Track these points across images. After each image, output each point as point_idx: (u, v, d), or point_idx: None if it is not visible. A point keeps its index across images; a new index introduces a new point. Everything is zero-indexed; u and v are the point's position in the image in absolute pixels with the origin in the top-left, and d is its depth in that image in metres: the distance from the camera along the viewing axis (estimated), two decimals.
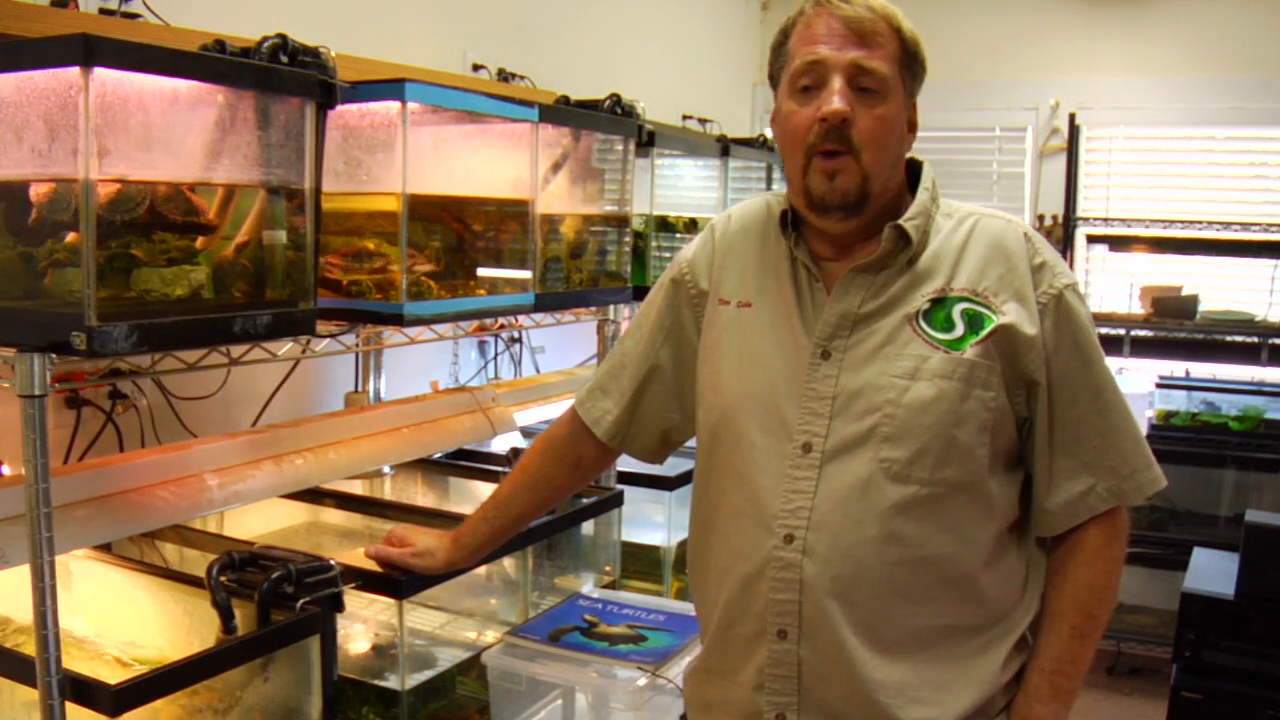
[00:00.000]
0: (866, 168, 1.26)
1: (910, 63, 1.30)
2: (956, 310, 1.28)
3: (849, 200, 1.27)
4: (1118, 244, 4.33)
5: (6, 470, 1.64)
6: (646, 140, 2.45)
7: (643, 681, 1.75)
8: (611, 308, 2.41)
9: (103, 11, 1.75)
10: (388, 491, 2.28)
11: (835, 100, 1.24)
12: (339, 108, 1.53)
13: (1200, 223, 4.20)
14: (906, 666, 1.28)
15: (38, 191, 1.27)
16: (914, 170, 1.38)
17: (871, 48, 1.25)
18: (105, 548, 1.61)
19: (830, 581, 1.26)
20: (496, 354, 2.94)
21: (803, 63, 1.27)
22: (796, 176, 1.30)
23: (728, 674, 1.36)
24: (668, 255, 2.70)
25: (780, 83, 1.33)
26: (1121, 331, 4.18)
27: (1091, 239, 4.41)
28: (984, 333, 1.27)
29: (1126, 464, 1.32)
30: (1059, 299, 1.30)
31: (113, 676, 1.25)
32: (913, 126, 1.34)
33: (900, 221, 1.29)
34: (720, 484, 1.38)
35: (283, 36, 1.46)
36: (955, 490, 1.26)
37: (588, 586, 2.16)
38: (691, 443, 1.50)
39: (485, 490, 2.16)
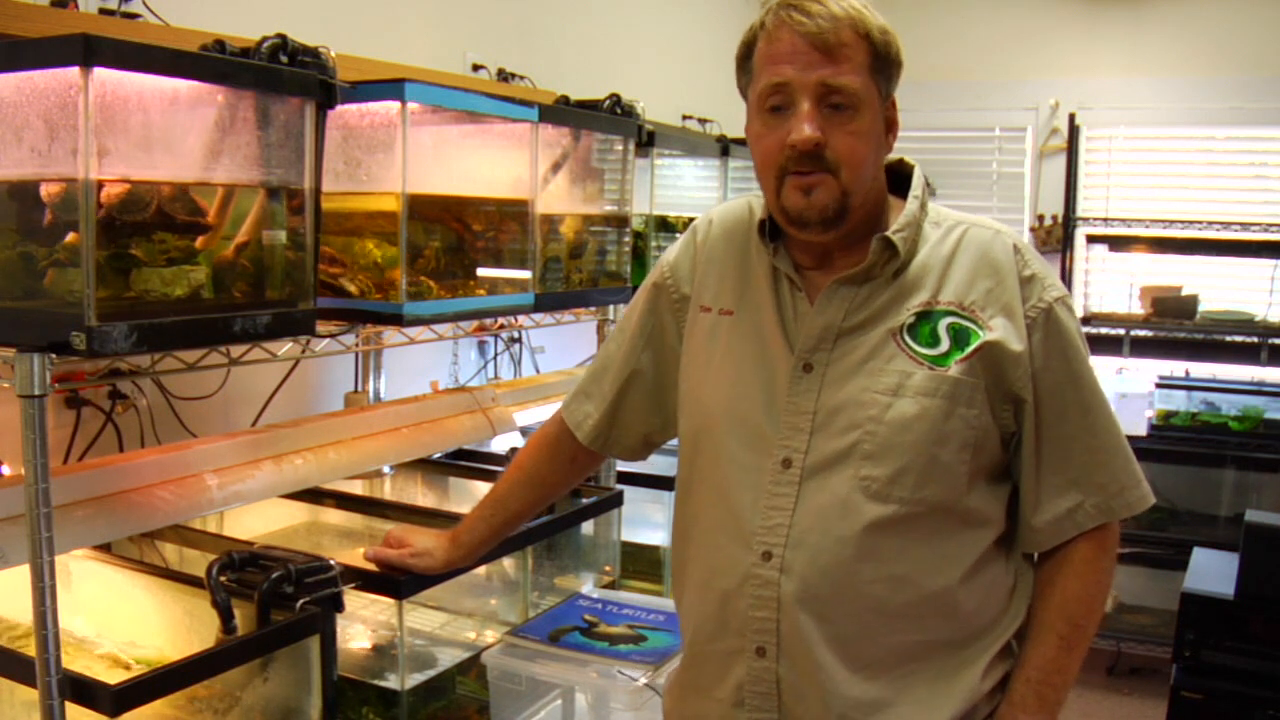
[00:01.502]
0: (845, 184, 1.22)
1: (882, 66, 1.23)
2: (942, 325, 1.26)
3: (827, 215, 1.23)
4: (1117, 244, 4.34)
5: (6, 470, 1.64)
6: (646, 140, 2.45)
7: (642, 681, 1.75)
8: (611, 308, 2.41)
9: (103, 11, 1.75)
10: (388, 491, 2.28)
11: (805, 128, 1.19)
12: (339, 108, 1.53)
13: (1200, 223, 4.20)
14: (885, 683, 1.26)
15: (49, 191, 1.27)
16: (901, 172, 1.34)
17: (839, 62, 1.19)
18: (105, 548, 1.61)
19: (808, 600, 1.24)
20: (496, 354, 2.94)
21: (768, 84, 1.22)
22: (771, 196, 1.26)
23: (705, 689, 1.34)
24: None
25: (748, 98, 1.29)
26: (1121, 331, 4.18)
27: (1091, 239, 4.41)
28: (969, 349, 1.24)
29: (1115, 481, 1.30)
30: (1048, 313, 1.27)
31: (112, 677, 1.25)
32: (892, 127, 1.28)
33: (888, 234, 1.26)
34: (700, 496, 1.36)
35: (282, 36, 1.46)
36: (935, 509, 1.24)
37: (587, 586, 2.16)
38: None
39: (485, 490, 2.16)
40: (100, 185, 1.25)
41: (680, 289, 1.44)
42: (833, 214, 1.23)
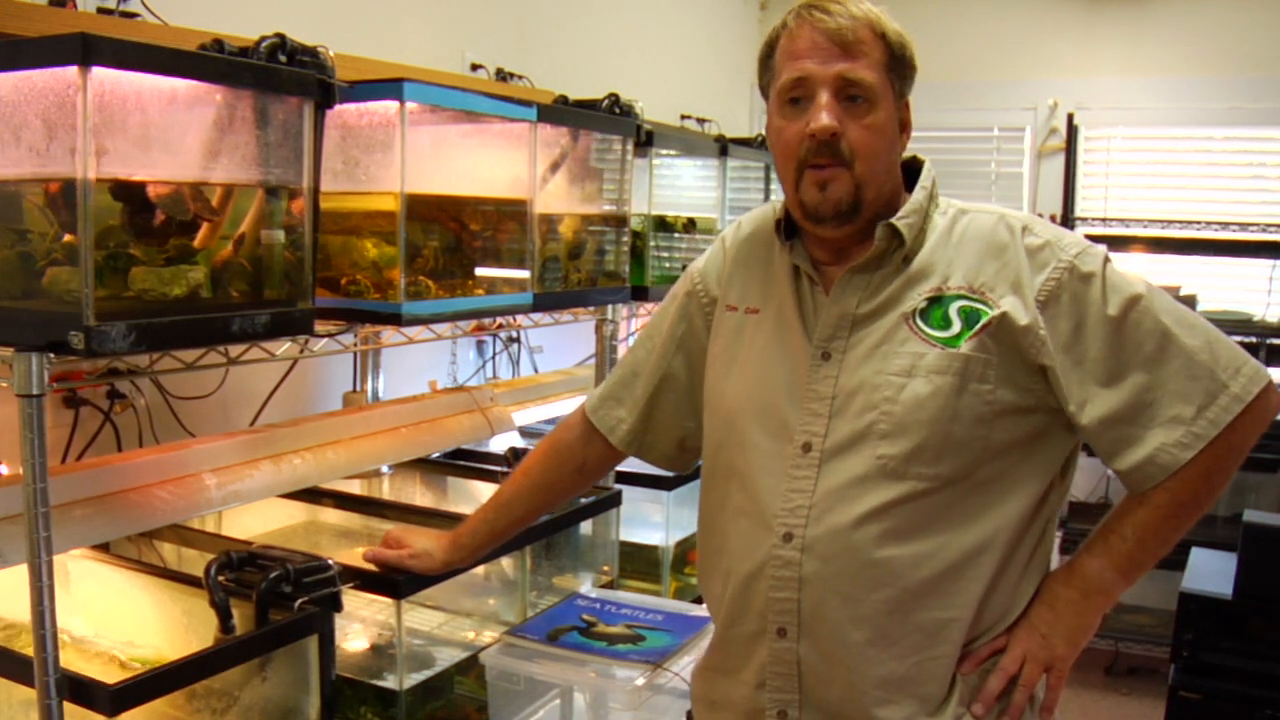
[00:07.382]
0: (859, 177, 1.27)
1: (898, 66, 1.29)
2: (953, 308, 1.29)
3: (842, 208, 1.28)
4: (1116, 244, 4.32)
5: (4, 470, 1.64)
6: (645, 140, 2.45)
7: (641, 681, 1.75)
8: (610, 307, 2.41)
9: (101, 11, 1.75)
10: (386, 491, 2.28)
11: (823, 117, 1.25)
12: (337, 107, 1.53)
13: (1199, 223, 4.20)
14: (909, 663, 1.27)
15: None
16: (915, 169, 1.38)
17: (856, 58, 1.25)
18: (103, 547, 1.61)
19: (829, 578, 1.27)
20: (494, 354, 2.94)
21: (789, 78, 1.28)
22: (790, 189, 1.31)
23: (731, 672, 1.37)
24: (666, 255, 2.70)
25: (769, 95, 1.34)
26: None
27: (1090, 239, 4.41)
28: (978, 326, 1.27)
29: (1209, 398, 1.24)
30: (1072, 270, 1.27)
31: (111, 676, 1.25)
32: (905, 127, 1.33)
33: (893, 220, 1.30)
34: (724, 485, 1.39)
35: (281, 36, 1.46)
36: (953, 484, 1.26)
37: (586, 586, 2.16)
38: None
39: (484, 490, 2.16)
40: (144, 185, 1.27)
41: (710, 292, 1.49)
42: (847, 208, 1.28)
